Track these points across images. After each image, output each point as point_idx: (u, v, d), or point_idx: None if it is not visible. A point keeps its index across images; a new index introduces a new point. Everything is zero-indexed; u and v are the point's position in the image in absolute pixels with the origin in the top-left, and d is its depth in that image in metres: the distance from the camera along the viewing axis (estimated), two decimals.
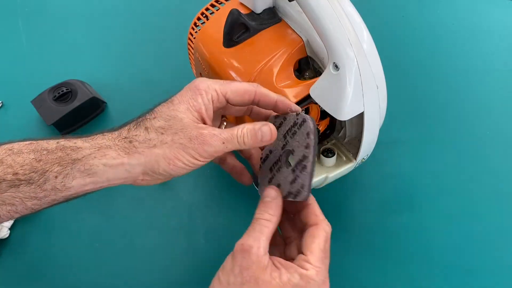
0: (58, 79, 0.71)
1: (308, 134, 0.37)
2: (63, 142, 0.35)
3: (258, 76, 0.47)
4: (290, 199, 0.38)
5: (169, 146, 0.34)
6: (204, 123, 0.36)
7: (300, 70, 0.49)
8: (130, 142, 0.35)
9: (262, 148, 0.43)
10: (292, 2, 0.46)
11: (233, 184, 0.61)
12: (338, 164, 0.52)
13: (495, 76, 0.72)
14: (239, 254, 0.33)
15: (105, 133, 0.36)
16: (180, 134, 0.34)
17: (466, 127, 0.65)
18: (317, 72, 0.49)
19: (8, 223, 0.57)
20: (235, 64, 0.48)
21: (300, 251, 0.36)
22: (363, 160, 0.51)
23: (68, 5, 0.91)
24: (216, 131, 0.36)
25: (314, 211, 0.37)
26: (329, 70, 0.41)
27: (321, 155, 0.51)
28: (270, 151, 0.40)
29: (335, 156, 0.51)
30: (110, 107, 0.72)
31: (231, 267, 0.33)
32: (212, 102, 0.37)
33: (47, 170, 0.34)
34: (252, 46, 0.48)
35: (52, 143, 0.35)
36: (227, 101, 0.38)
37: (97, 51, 0.82)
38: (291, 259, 0.36)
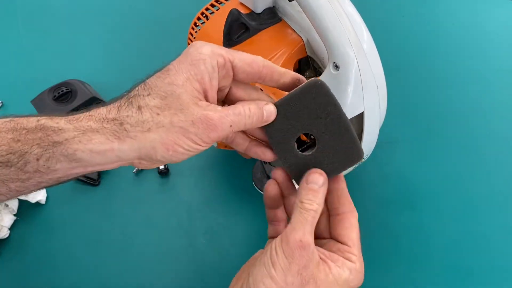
0: (58, 79, 0.71)
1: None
2: (43, 120, 0.30)
3: None
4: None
5: (166, 130, 0.29)
6: (206, 97, 0.31)
7: (300, 70, 0.49)
8: (121, 124, 0.30)
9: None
10: (292, 2, 0.46)
11: (233, 184, 0.61)
12: None
13: (495, 76, 0.72)
14: (298, 252, 0.30)
15: (92, 113, 0.31)
16: (180, 115, 0.29)
17: (466, 127, 0.65)
18: (317, 72, 0.49)
19: (8, 223, 0.57)
20: None
21: (336, 238, 0.34)
22: (363, 160, 0.51)
23: (68, 5, 0.91)
24: (221, 111, 0.31)
25: (348, 196, 0.34)
26: (329, 70, 0.41)
27: None
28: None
29: None
30: None
31: (287, 265, 0.30)
32: (218, 69, 0.31)
33: (26, 152, 0.30)
34: (252, 46, 0.48)
35: (32, 121, 0.31)
36: (234, 72, 0.32)
37: (97, 51, 0.82)
38: (317, 237, 0.34)
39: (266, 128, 0.34)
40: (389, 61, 0.47)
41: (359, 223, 0.56)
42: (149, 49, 0.81)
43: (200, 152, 0.32)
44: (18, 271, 0.55)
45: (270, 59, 0.46)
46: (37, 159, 0.30)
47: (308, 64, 0.49)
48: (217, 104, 0.32)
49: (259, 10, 0.49)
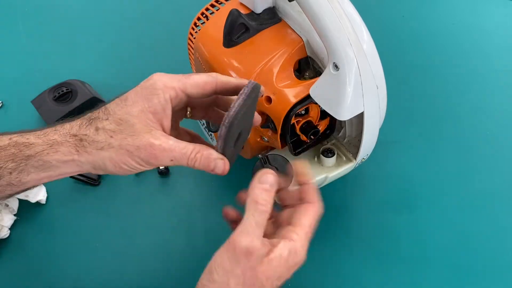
0: (58, 79, 0.71)
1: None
2: (15, 138, 0.35)
3: (258, 76, 0.47)
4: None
5: (115, 151, 0.34)
6: (162, 124, 0.35)
7: (300, 70, 0.49)
8: (80, 140, 0.35)
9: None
10: (292, 2, 0.46)
11: (233, 184, 0.61)
12: (338, 164, 0.52)
13: (495, 76, 0.72)
14: (244, 258, 0.32)
15: (57, 128, 0.36)
16: (129, 139, 0.34)
17: (466, 127, 0.65)
18: (317, 72, 0.49)
19: (8, 223, 0.57)
20: (235, 64, 0.48)
21: (289, 222, 0.36)
22: (363, 160, 0.51)
23: (68, 5, 0.91)
24: (168, 144, 0.34)
25: (314, 190, 0.38)
26: (329, 70, 0.41)
27: (321, 155, 0.52)
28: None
29: (335, 156, 0.51)
30: None
31: (230, 268, 0.32)
32: (171, 100, 0.35)
33: (1, 167, 0.34)
34: (252, 46, 0.48)
35: (4, 139, 0.35)
36: (188, 96, 0.36)
37: (97, 51, 0.82)
38: (278, 224, 0.38)
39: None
40: (389, 61, 0.47)
41: (358, 223, 0.56)
42: (149, 49, 0.81)
43: (146, 169, 0.36)
44: (18, 271, 0.55)
45: (270, 59, 0.46)
46: (10, 173, 0.35)
47: (308, 64, 0.49)
48: (175, 128, 0.38)
49: (259, 10, 0.49)
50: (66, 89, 0.68)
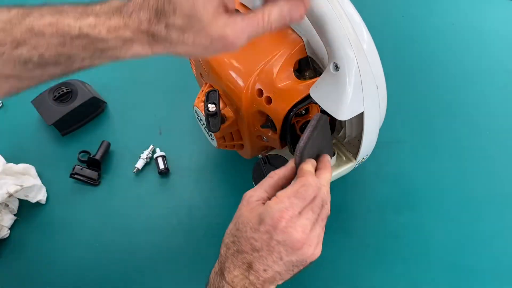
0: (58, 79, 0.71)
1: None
2: (86, 29, 0.34)
3: (258, 76, 0.47)
4: None
5: (190, 47, 0.34)
6: (226, 6, 0.34)
7: (300, 70, 0.49)
8: (153, 36, 0.35)
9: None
10: None
11: (233, 184, 0.61)
12: (338, 164, 0.52)
13: (495, 76, 0.72)
14: (242, 202, 0.41)
15: (126, 21, 0.34)
16: (202, 33, 0.33)
17: (466, 127, 0.65)
18: (317, 72, 0.49)
19: (8, 223, 0.57)
20: (235, 64, 0.48)
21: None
22: (363, 160, 0.51)
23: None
24: (239, 26, 0.34)
25: (300, 169, 0.42)
26: (329, 70, 0.41)
27: None
28: None
29: (335, 156, 0.51)
30: (110, 107, 0.72)
31: (235, 214, 0.41)
32: None
33: (74, 55, 0.35)
34: (252, 46, 0.48)
35: (74, 27, 0.34)
36: None
37: None
38: None
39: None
40: (389, 61, 0.47)
41: (358, 223, 0.56)
42: None
43: None
44: (18, 271, 0.55)
45: (270, 59, 0.46)
46: (83, 59, 0.36)
47: (308, 64, 0.49)
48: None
49: None
50: (66, 89, 0.68)
